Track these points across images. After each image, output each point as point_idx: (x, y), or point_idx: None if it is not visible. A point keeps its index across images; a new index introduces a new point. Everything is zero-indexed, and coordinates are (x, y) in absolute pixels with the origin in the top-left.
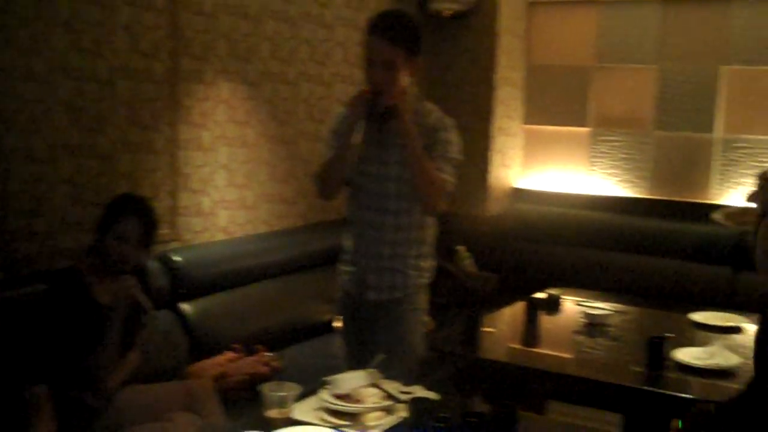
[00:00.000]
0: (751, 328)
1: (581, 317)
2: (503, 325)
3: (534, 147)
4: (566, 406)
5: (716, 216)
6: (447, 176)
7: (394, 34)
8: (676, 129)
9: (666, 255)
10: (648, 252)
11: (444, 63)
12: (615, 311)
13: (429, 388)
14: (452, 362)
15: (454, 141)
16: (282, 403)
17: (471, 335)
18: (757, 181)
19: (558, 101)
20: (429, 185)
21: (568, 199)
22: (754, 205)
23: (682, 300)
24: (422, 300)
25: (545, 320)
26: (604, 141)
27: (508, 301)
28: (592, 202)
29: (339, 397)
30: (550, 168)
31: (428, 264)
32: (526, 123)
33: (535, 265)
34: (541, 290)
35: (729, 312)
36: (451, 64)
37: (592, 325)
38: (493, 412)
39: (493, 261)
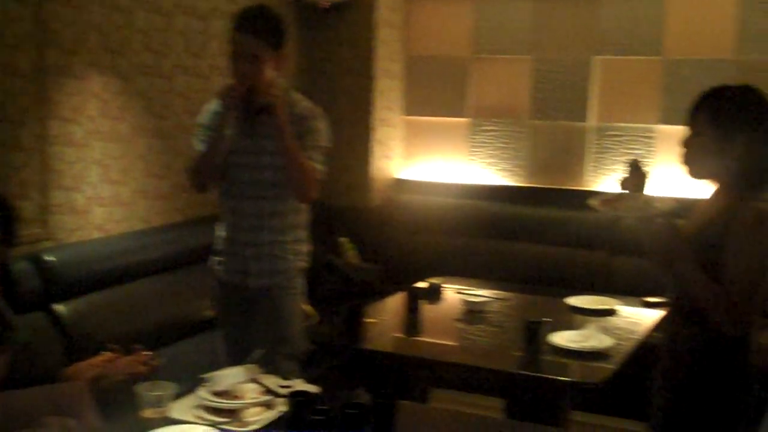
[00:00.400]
0: (624, 311)
1: (462, 305)
2: (385, 315)
3: (415, 138)
4: (450, 393)
5: (593, 202)
6: (318, 165)
7: (259, 29)
8: (552, 118)
9: (545, 241)
10: (527, 239)
11: (323, 54)
12: (494, 298)
13: (310, 382)
14: (334, 354)
15: (323, 129)
16: (158, 403)
17: (353, 327)
18: (628, 168)
19: (437, 92)
20: (302, 175)
21: (449, 189)
22: (627, 191)
23: (560, 285)
24: (301, 284)
25: (427, 309)
26: (482, 131)
27: (392, 292)
28: (472, 191)
29: (217, 394)
30: (430, 158)
31: (305, 248)
32: (406, 114)
33: (418, 255)
34: (424, 280)
35: (604, 295)
36: (330, 56)
37: (472, 312)
38: (372, 403)
39: (376, 252)
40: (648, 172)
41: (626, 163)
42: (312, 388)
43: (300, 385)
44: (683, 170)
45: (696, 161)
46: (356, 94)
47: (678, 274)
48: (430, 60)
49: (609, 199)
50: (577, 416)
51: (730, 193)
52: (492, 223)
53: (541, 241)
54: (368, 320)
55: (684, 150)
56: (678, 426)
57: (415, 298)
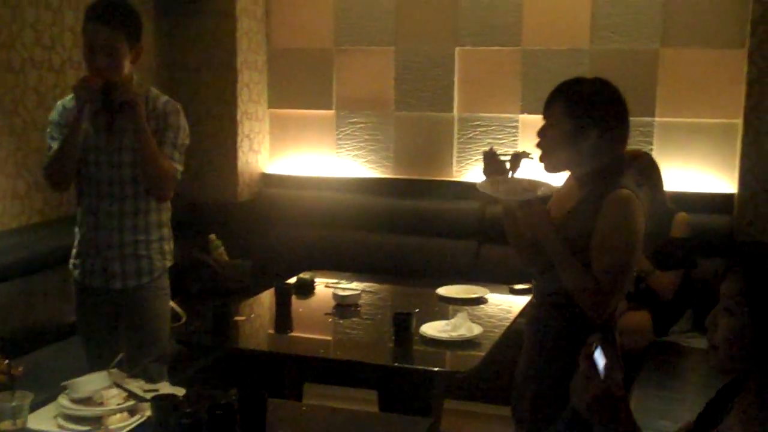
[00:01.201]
0: (493, 298)
1: (333, 299)
2: (255, 313)
3: (281, 131)
4: (324, 387)
5: (481, 186)
6: (177, 164)
7: (114, 20)
8: (417, 109)
9: (414, 233)
10: (397, 231)
11: (184, 47)
12: (365, 291)
13: (177, 384)
14: (203, 355)
15: (182, 125)
16: (15, 414)
17: (221, 326)
18: (483, 158)
19: (302, 84)
20: (159, 174)
21: (318, 183)
22: (517, 175)
23: (430, 275)
24: (167, 284)
25: (298, 305)
26: (348, 123)
27: (264, 289)
28: (341, 184)
29: (79, 401)
30: (298, 152)
31: (170, 247)
32: (271, 107)
33: (289, 250)
34: (295, 275)
35: (473, 284)
36: (191, 49)
37: (344, 306)
38: (240, 402)
39: (246, 248)
40: (508, 159)
41: (481, 153)
42: (178, 391)
43: (165, 388)
44: (539, 162)
45: (551, 153)
46: (220, 88)
47: (550, 258)
48: (293, 52)
49: (498, 182)
50: (452, 404)
51: (589, 184)
52: (361, 216)
53: (410, 233)
54: (237, 318)
55: (540, 142)
56: (546, 410)
57: (286, 294)
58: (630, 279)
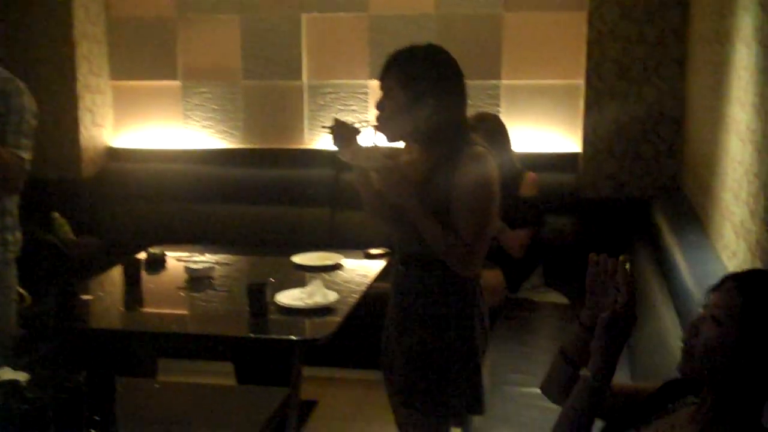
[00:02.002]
0: (349, 264)
1: (185, 273)
2: (104, 291)
3: (126, 104)
4: (180, 363)
5: (342, 154)
6: (23, 152)
7: None
8: (265, 78)
9: (267, 202)
10: (249, 201)
11: (16, 21)
12: (218, 263)
13: (21, 369)
14: (49, 338)
15: (26, 106)
16: None
17: (66, 306)
18: (331, 129)
19: (145, 55)
20: (5, 171)
21: (166, 155)
22: (381, 143)
23: (286, 244)
24: (11, 276)
25: (149, 280)
26: (196, 93)
27: (113, 266)
28: (190, 156)
29: None
30: (145, 125)
31: (15, 237)
32: (114, 79)
33: (140, 226)
34: (145, 250)
35: (329, 251)
36: (25, 22)
37: (197, 279)
38: (89, 385)
39: (93, 225)
40: (356, 126)
41: (331, 121)
42: (21, 376)
43: (7, 374)
44: (378, 132)
45: (391, 123)
46: (57, 61)
47: (414, 222)
48: (134, 21)
49: (360, 151)
50: (312, 372)
51: (437, 149)
52: (212, 188)
53: (263, 202)
54: (84, 297)
55: (378, 113)
56: (416, 369)
57: (135, 270)
58: (491, 232)
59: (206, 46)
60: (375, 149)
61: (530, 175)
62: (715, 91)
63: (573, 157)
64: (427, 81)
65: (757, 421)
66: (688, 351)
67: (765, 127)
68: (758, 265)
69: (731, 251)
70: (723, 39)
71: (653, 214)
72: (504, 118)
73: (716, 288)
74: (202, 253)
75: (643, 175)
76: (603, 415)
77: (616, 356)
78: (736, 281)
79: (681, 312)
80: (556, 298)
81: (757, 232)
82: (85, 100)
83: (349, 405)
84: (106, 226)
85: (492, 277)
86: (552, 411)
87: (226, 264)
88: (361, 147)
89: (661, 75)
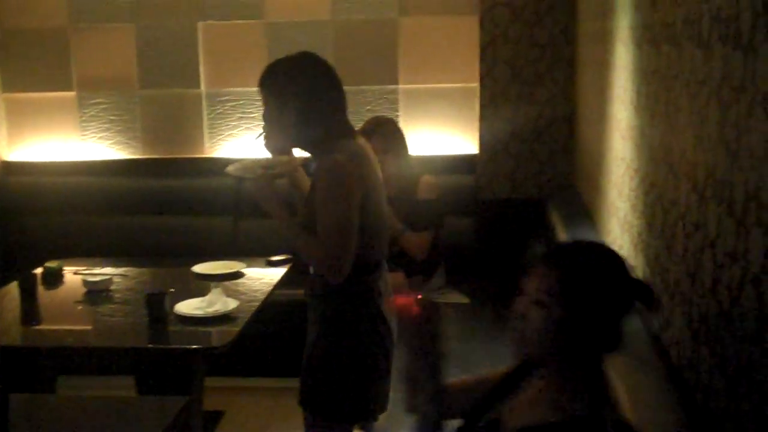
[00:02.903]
0: (251, 272)
1: (83, 286)
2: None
3: (20, 116)
4: (80, 379)
5: (231, 169)
6: None
7: None
8: (162, 87)
9: (167, 212)
10: (149, 211)
11: None
12: (118, 275)
13: None
14: None
15: None
16: None
17: None
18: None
19: (39, 66)
20: None
21: (64, 168)
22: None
23: (188, 255)
24: None
25: (46, 295)
26: (92, 104)
27: (8, 282)
28: (88, 168)
29: None
30: (40, 137)
31: None
32: (6, 91)
33: (38, 240)
34: (41, 265)
35: (230, 259)
36: None
37: (95, 293)
38: None
39: None
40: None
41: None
42: None
43: None
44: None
45: (269, 134)
46: None
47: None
48: (26, 32)
49: (248, 164)
50: (219, 382)
51: (317, 157)
52: (112, 200)
53: (163, 213)
54: None
55: (263, 125)
56: (309, 370)
57: (31, 285)
58: (353, 237)
59: (101, 55)
60: (255, 161)
61: (426, 178)
62: (601, 90)
63: (471, 158)
64: (290, 89)
65: (599, 377)
66: (520, 339)
67: (643, 123)
68: (641, 258)
69: (618, 246)
70: (605, 39)
71: (548, 213)
72: (403, 122)
73: (529, 274)
74: (101, 266)
75: (539, 175)
76: (453, 415)
77: None
78: (546, 262)
79: None
80: (458, 297)
81: (638, 225)
82: None
83: (257, 414)
84: (2, 242)
85: (394, 280)
86: None
87: (126, 276)
88: (245, 158)
89: (553, 76)
